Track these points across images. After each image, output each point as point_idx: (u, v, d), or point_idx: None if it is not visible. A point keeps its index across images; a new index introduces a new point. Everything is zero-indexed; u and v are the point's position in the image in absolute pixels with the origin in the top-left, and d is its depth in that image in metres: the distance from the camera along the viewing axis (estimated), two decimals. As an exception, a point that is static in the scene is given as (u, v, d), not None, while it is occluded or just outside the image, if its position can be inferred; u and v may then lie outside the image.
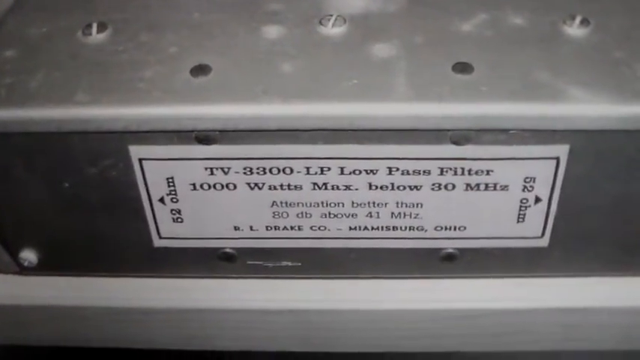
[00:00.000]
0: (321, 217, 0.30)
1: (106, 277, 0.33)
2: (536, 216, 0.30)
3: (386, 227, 0.31)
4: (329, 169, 0.29)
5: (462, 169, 0.28)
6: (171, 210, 0.30)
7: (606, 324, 0.33)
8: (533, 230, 0.30)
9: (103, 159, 0.28)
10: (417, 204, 0.30)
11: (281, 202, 0.30)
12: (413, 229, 0.31)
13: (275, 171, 0.29)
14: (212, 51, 0.29)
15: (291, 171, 0.29)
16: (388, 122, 0.27)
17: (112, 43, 0.30)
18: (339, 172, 0.29)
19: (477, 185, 0.29)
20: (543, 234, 0.30)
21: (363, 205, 0.30)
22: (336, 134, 0.27)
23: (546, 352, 0.35)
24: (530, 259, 0.31)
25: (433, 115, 0.27)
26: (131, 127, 0.27)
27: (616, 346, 0.34)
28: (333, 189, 0.29)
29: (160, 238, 0.31)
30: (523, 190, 0.29)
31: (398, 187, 0.29)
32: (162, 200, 0.30)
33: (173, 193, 0.30)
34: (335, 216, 0.30)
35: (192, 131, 0.27)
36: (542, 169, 0.28)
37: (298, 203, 0.30)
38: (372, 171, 0.29)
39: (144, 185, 0.29)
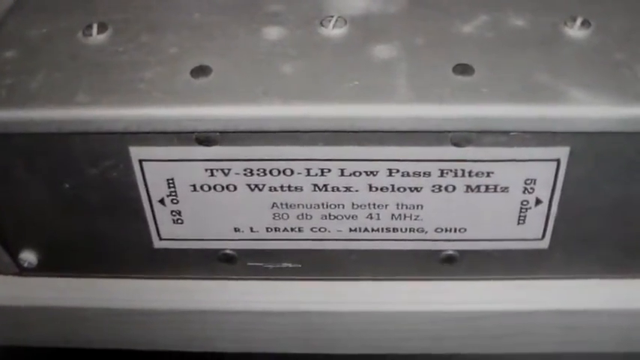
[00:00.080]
0: (322, 218, 0.30)
1: (106, 278, 0.33)
2: (536, 218, 0.30)
3: (386, 229, 0.30)
4: (329, 170, 0.29)
5: (463, 170, 0.28)
6: (172, 211, 0.30)
7: (607, 326, 0.33)
8: (534, 232, 0.30)
9: (104, 160, 0.28)
10: (418, 205, 0.30)
11: (281, 204, 0.30)
12: (413, 231, 0.30)
13: (275, 172, 0.29)
14: (212, 52, 0.29)
15: (292, 172, 0.29)
16: (389, 124, 0.27)
17: (113, 44, 0.30)
18: (340, 173, 0.29)
19: (478, 187, 0.29)
20: (544, 236, 0.30)
21: (363, 207, 0.30)
22: (337, 135, 0.27)
23: (547, 354, 0.34)
24: (530, 261, 0.31)
25: (434, 117, 0.27)
26: (131, 128, 0.27)
27: (616, 348, 0.34)
28: (333, 190, 0.29)
29: (160, 239, 0.31)
30: (523, 192, 0.29)
31: (398, 189, 0.29)
32: (162, 201, 0.30)
33: (173, 194, 0.29)
34: (335, 217, 0.30)
35: (193, 132, 0.27)
36: (542, 171, 0.28)
37: (299, 205, 0.30)
38: (372, 172, 0.29)
39: (144, 186, 0.29)
